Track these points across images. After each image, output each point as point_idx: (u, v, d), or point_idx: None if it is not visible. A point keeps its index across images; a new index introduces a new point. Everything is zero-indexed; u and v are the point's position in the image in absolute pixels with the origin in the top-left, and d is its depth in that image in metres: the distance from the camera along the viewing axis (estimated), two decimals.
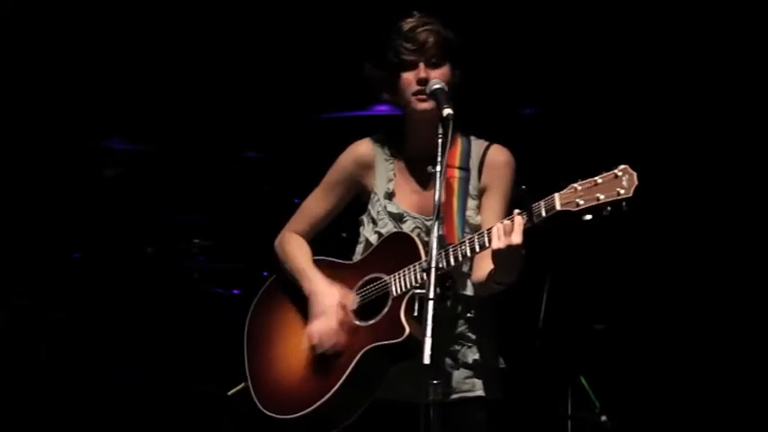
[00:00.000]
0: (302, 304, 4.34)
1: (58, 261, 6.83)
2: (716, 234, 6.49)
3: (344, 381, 4.12)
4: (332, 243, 4.50)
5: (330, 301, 4.23)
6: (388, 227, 4.29)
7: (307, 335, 4.25)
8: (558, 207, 3.86)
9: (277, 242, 4.49)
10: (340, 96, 6.70)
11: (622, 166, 3.81)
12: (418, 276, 4.09)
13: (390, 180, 4.33)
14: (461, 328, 4.25)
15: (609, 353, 6.38)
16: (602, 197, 3.81)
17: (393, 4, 4.38)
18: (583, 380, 6.02)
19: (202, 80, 7.20)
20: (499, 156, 4.30)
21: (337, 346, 4.19)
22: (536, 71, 6.70)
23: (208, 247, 6.84)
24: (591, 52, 6.64)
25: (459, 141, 4.30)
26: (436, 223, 3.91)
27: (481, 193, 4.28)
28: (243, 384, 4.38)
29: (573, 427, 6.06)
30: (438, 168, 3.99)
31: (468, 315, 4.25)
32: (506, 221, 3.93)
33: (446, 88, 4.17)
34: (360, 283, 4.26)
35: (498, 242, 3.92)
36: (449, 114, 4.06)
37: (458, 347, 4.24)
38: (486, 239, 3.97)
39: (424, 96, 4.21)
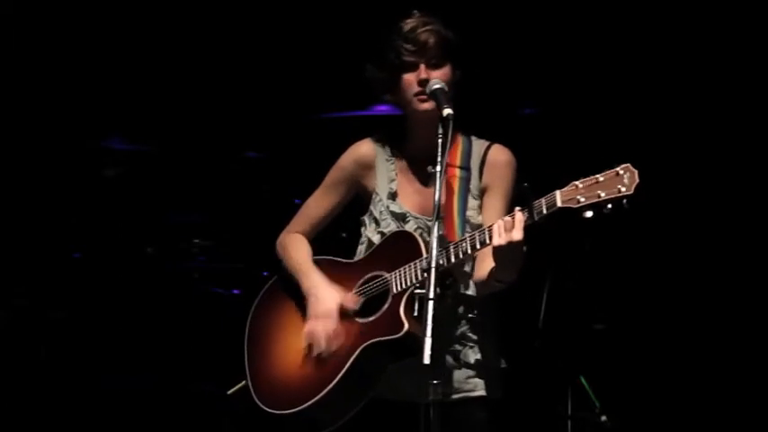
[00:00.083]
0: (302, 304, 4.35)
1: (58, 261, 6.83)
2: (716, 234, 6.49)
3: (343, 376, 4.13)
4: (332, 243, 4.50)
5: (330, 304, 4.23)
6: (390, 227, 4.29)
7: (305, 335, 4.25)
8: (560, 204, 3.87)
9: (278, 242, 4.49)
10: (340, 96, 6.70)
11: (624, 165, 3.82)
12: (418, 273, 4.10)
13: (392, 180, 4.34)
14: (463, 328, 4.25)
15: (609, 353, 6.38)
16: (603, 194, 3.82)
17: (393, 3, 4.38)
18: (583, 380, 6.02)
19: (202, 80, 7.20)
20: (500, 155, 4.30)
21: (335, 347, 4.19)
22: (536, 71, 6.70)
23: (208, 247, 6.84)
24: (591, 52, 6.64)
25: (460, 141, 4.31)
26: (436, 223, 3.92)
27: (482, 193, 4.28)
28: (243, 383, 4.39)
29: (573, 427, 6.06)
30: (438, 168, 4.00)
31: (470, 315, 4.25)
32: (507, 218, 3.94)
33: (446, 88, 4.18)
34: (361, 281, 4.27)
35: (499, 239, 3.93)
36: (449, 114, 4.07)
37: (459, 347, 4.24)
38: (487, 236, 3.97)
39: (424, 97, 4.21)
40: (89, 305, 6.76)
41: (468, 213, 4.23)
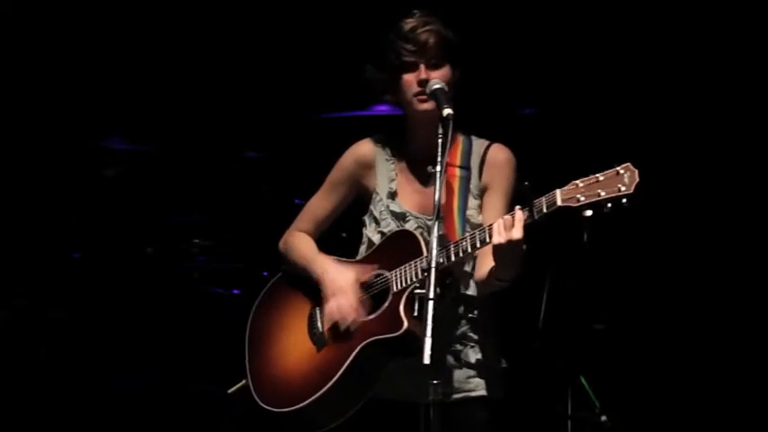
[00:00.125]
0: (304, 302, 4.36)
1: (58, 261, 6.83)
2: (716, 234, 6.49)
3: (342, 374, 4.13)
4: (332, 243, 4.50)
5: (345, 279, 4.23)
6: (390, 226, 4.30)
7: (327, 316, 4.24)
8: (559, 203, 3.87)
9: (281, 242, 4.50)
10: (340, 96, 6.70)
11: (625, 164, 3.83)
12: (419, 272, 4.10)
13: (392, 180, 4.34)
14: (464, 327, 4.25)
15: (609, 353, 6.38)
16: (603, 193, 3.83)
17: (393, 3, 4.38)
18: (583, 380, 6.02)
19: (202, 80, 7.20)
20: (500, 154, 4.30)
21: (358, 319, 4.18)
22: (536, 71, 6.70)
23: (208, 247, 6.84)
24: (590, 52, 6.64)
25: (461, 141, 4.31)
26: (436, 223, 3.92)
27: (482, 192, 4.28)
28: (243, 382, 4.39)
29: (573, 427, 6.06)
30: (438, 168, 4.01)
31: (471, 315, 4.25)
32: (507, 217, 3.95)
33: (446, 88, 4.18)
34: (361, 280, 4.26)
35: (499, 237, 3.93)
36: (448, 114, 4.08)
37: (460, 347, 4.24)
38: (487, 235, 3.98)
39: (424, 97, 4.21)
40: (89, 305, 6.76)
41: (469, 213, 4.24)
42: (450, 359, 4.23)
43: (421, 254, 4.12)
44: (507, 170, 4.27)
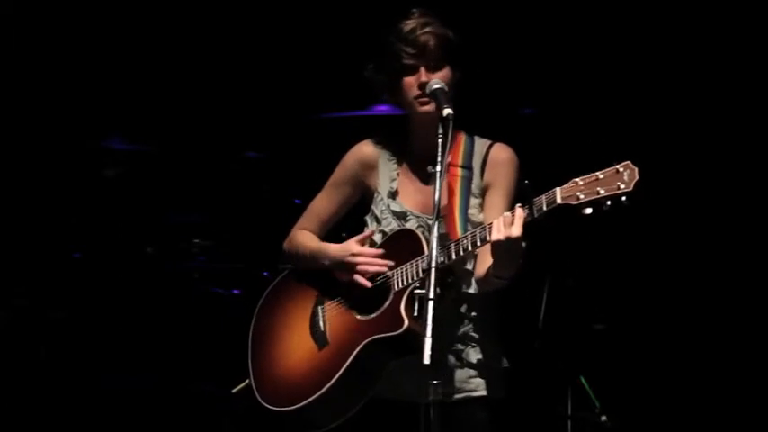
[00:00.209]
0: (307, 302, 4.37)
1: (58, 261, 6.83)
2: (716, 234, 6.49)
3: (343, 373, 4.13)
4: (332, 243, 4.50)
5: (351, 246, 4.25)
6: (391, 225, 4.30)
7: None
8: (559, 201, 3.88)
9: (286, 241, 4.50)
10: (340, 96, 6.70)
11: (624, 162, 3.83)
12: (420, 271, 4.11)
13: (393, 179, 4.35)
14: (466, 327, 4.25)
15: (609, 353, 6.38)
16: (602, 191, 3.83)
17: (393, 3, 4.37)
18: (583, 380, 6.02)
19: (202, 80, 7.20)
20: (502, 153, 4.30)
21: (384, 267, 4.19)
22: (536, 71, 6.70)
23: (208, 247, 6.84)
24: (589, 53, 6.64)
25: (463, 140, 4.31)
26: (436, 223, 3.92)
27: (484, 192, 4.28)
28: (247, 382, 4.39)
29: (573, 427, 6.06)
30: (438, 168, 4.01)
31: (473, 314, 4.25)
32: (507, 214, 3.96)
33: (446, 88, 4.18)
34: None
35: (498, 234, 3.94)
36: (448, 114, 4.08)
37: (462, 347, 4.25)
38: (487, 233, 3.98)
39: (425, 99, 4.21)
40: (89, 305, 6.76)
41: (470, 212, 4.24)
42: (452, 359, 4.24)
43: (422, 253, 4.13)
44: (509, 169, 4.27)
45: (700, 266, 6.48)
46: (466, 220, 4.22)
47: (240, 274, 6.74)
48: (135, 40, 7.16)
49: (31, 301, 6.74)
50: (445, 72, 4.24)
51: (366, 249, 4.24)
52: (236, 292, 6.72)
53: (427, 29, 4.24)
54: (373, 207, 4.37)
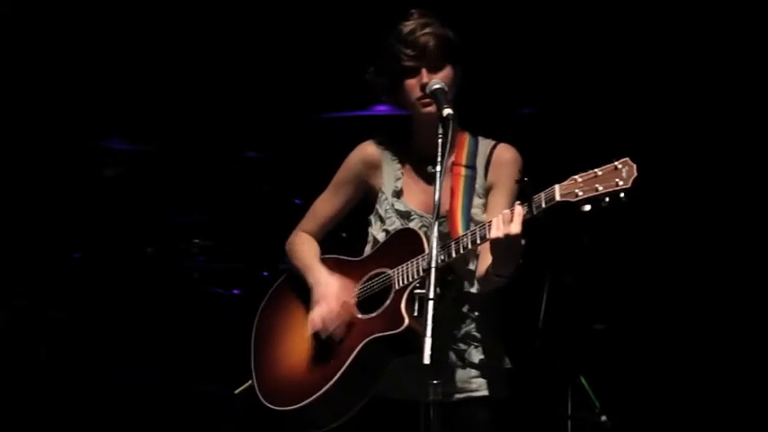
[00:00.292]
0: (308, 302, 4.36)
1: (58, 261, 6.83)
2: (715, 234, 6.49)
3: (344, 372, 4.13)
4: (332, 243, 4.51)
5: (330, 289, 4.26)
6: (395, 225, 4.30)
7: (309, 322, 4.26)
8: (558, 198, 3.88)
9: (287, 242, 4.50)
10: (340, 96, 6.70)
11: (623, 159, 3.84)
12: (420, 270, 4.11)
13: (398, 179, 4.35)
14: (467, 326, 4.25)
15: (609, 353, 6.38)
16: (600, 188, 3.84)
17: (393, 3, 4.37)
18: (583, 380, 6.02)
19: (202, 80, 7.20)
20: (505, 153, 4.30)
21: (339, 329, 4.20)
22: (536, 71, 6.71)
23: (208, 247, 6.85)
24: (590, 52, 6.65)
25: (467, 140, 4.31)
26: (436, 223, 3.92)
27: (488, 192, 4.29)
28: (249, 382, 4.39)
29: (573, 427, 6.07)
30: (438, 168, 4.01)
31: (475, 314, 4.25)
32: (506, 212, 3.95)
33: (446, 88, 4.18)
34: (365, 277, 4.28)
35: (497, 231, 3.94)
36: (449, 114, 4.07)
37: (464, 347, 4.25)
38: (487, 231, 3.98)
39: (428, 101, 4.21)
40: (89, 305, 6.76)
41: (473, 211, 4.24)
42: (454, 358, 4.24)
43: (423, 252, 4.13)
44: (513, 170, 4.27)
45: (700, 266, 6.48)
46: (468, 219, 4.21)
47: (240, 274, 6.74)
48: (135, 40, 7.17)
49: (31, 301, 6.74)
50: (446, 72, 4.24)
51: (327, 311, 4.23)
52: (236, 292, 6.72)
53: (427, 29, 4.23)
54: (377, 206, 4.37)
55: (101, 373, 6.67)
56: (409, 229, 4.25)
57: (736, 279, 6.46)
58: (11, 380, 6.60)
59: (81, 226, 6.92)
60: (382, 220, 4.34)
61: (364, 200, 4.45)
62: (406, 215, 4.31)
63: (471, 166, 4.28)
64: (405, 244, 4.20)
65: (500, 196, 4.26)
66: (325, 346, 4.27)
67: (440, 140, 4.04)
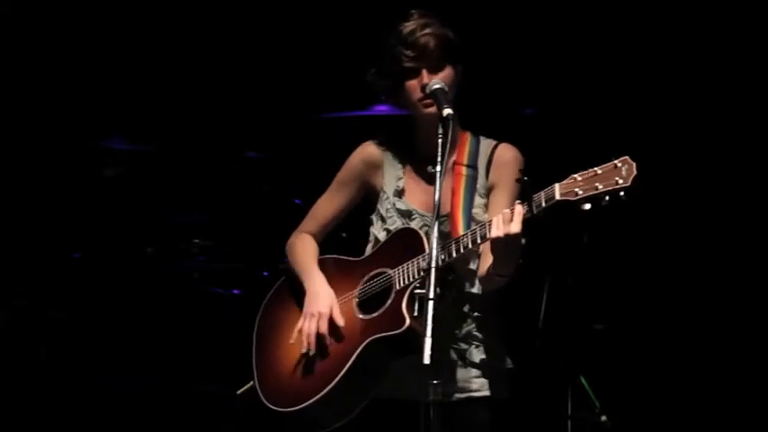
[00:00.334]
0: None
1: (58, 261, 6.83)
2: (715, 234, 6.49)
3: (346, 372, 4.13)
4: (332, 243, 4.51)
5: (323, 302, 4.26)
6: (396, 224, 4.31)
7: (296, 331, 4.28)
8: (558, 197, 3.88)
9: (288, 243, 4.50)
10: (340, 96, 6.70)
11: (623, 157, 3.84)
12: (421, 270, 4.10)
13: (399, 178, 4.35)
14: (469, 326, 4.25)
15: (609, 353, 6.38)
16: (600, 187, 3.84)
17: (393, 3, 4.37)
18: (583, 380, 6.02)
19: (202, 80, 7.20)
20: (507, 153, 4.30)
21: (328, 345, 4.21)
22: (536, 71, 6.71)
23: (208, 247, 6.84)
24: (589, 52, 6.65)
25: (468, 140, 4.32)
26: (436, 223, 3.92)
27: (489, 191, 4.29)
28: (251, 383, 4.39)
29: (573, 427, 6.06)
30: (438, 168, 4.01)
31: (476, 314, 4.25)
32: (506, 211, 3.96)
33: (446, 88, 4.18)
34: (365, 278, 4.28)
35: (497, 231, 3.94)
36: (448, 114, 4.07)
37: (465, 346, 4.24)
38: (487, 230, 3.98)
39: (429, 101, 4.21)
40: (89, 305, 6.76)
41: (474, 211, 4.24)
42: (455, 358, 4.23)
43: (424, 251, 4.12)
44: (514, 169, 4.26)
45: (700, 265, 6.48)
46: (470, 219, 4.21)
47: (240, 274, 6.73)
48: (135, 40, 7.17)
49: (31, 301, 6.74)
50: (446, 73, 4.24)
51: (315, 331, 4.24)
52: (236, 292, 6.72)
53: (427, 30, 4.23)
54: (378, 206, 4.37)
55: (101, 373, 6.66)
56: (410, 228, 4.25)
57: (736, 279, 6.46)
58: (11, 380, 6.60)
59: (81, 226, 6.92)
60: (383, 220, 4.34)
61: (365, 200, 4.45)
62: (407, 214, 4.31)
63: (472, 166, 4.28)
64: (405, 244, 4.20)
65: (501, 196, 4.26)
66: (326, 346, 4.27)
67: (439, 140, 4.04)
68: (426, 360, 3.73)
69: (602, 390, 6.03)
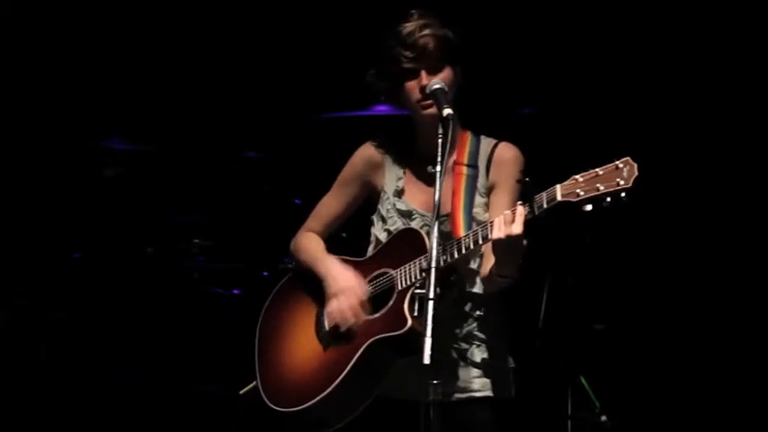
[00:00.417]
0: (312, 302, 4.38)
1: (58, 261, 6.83)
2: (715, 234, 6.49)
3: (348, 373, 4.13)
4: (332, 243, 4.51)
5: (348, 280, 4.25)
6: (397, 224, 4.31)
7: (328, 315, 4.26)
8: (559, 197, 3.89)
9: (292, 242, 4.51)
10: (340, 96, 6.70)
11: (624, 158, 3.84)
12: (423, 270, 4.10)
13: (400, 179, 4.36)
14: (470, 326, 4.25)
15: (609, 353, 6.38)
16: (601, 187, 3.84)
17: (393, 3, 4.37)
18: (583, 380, 6.02)
19: (202, 80, 7.20)
20: (507, 152, 4.30)
21: (359, 322, 4.19)
22: (536, 71, 6.71)
23: (208, 247, 6.85)
24: (589, 52, 6.65)
25: (469, 139, 4.32)
26: (436, 223, 3.93)
27: (489, 191, 4.29)
28: (254, 383, 4.39)
29: (573, 427, 6.06)
30: (438, 168, 4.01)
31: (478, 313, 4.25)
32: (507, 212, 3.96)
33: (446, 88, 4.18)
34: (368, 278, 4.28)
35: (498, 232, 3.94)
36: (448, 114, 4.08)
37: (466, 346, 4.25)
38: (489, 231, 3.98)
39: (428, 102, 4.21)
40: (89, 305, 6.76)
41: (475, 211, 4.24)
42: (456, 358, 4.23)
43: (425, 252, 4.12)
44: (514, 168, 4.27)
45: (700, 265, 6.49)
46: (470, 218, 4.21)
47: (240, 274, 6.73)
48: (134, 40, 7.17)
49: (31, 301, 6.74)
50: (445, 73, 4.24)
51: (347, 304, 4.22)
52: (236, 292, 6.72)
53: (426, 31, 4.23)
54: (379, 206, 4.38)
55: (101, 373, 6.66)
56: (411, 228, 4.25)
57: (736, 279, 6.46)
58: (11, 380, 6.60)
59: (81, 226, 6.92)
60: (384, 220, 4.35)
61: (367, 200, 4.46)
62: (407, 215, 4.31)
63: (473, 166, 4.28)
64: (407, 244, 4.20)
65: (502, 195, 4.26)
66: (328, 346, 4.27)
67: (439, 140, 4.04)
68: (426, 360, 3.73)
69: (602, 390, 6.04)
